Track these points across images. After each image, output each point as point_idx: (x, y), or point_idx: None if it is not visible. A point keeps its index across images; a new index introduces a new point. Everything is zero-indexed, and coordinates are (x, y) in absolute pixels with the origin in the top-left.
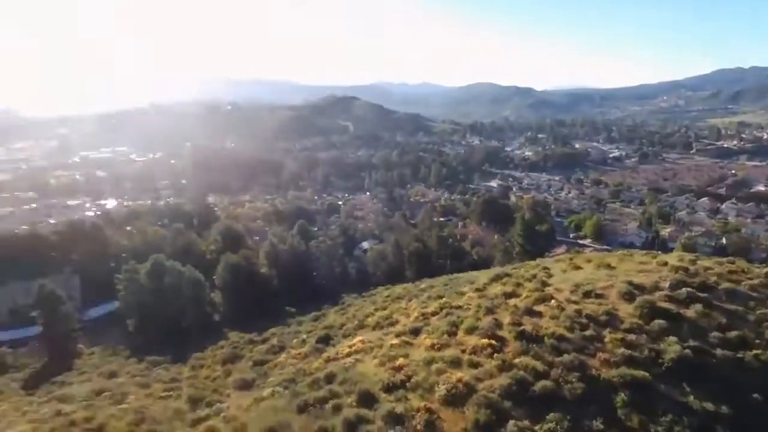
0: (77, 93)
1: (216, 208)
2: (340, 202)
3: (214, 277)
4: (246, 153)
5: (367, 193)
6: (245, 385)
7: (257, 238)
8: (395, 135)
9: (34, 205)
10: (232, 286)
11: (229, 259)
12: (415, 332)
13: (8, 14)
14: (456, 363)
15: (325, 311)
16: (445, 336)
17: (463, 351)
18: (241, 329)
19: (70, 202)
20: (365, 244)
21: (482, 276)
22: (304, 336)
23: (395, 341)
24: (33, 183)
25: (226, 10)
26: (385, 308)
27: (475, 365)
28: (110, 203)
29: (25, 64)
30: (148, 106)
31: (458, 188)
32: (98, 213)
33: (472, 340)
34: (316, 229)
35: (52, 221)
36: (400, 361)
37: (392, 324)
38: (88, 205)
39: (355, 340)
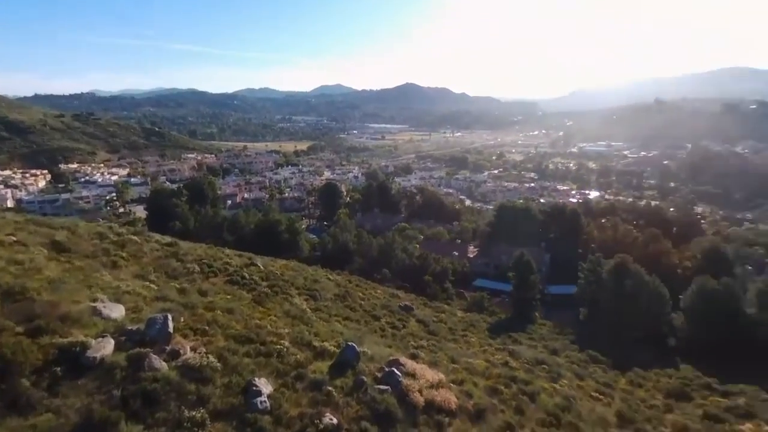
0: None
1: (703, 221)
2: None
3: (680, 296)
4: (764, 162)
5: None
6: None
7: (750, 268)
8: None
9: (533, 185)
10: (702, 315)
11: (707, 284)
12: None
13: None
14: None
15: None
16: None
17: None
18: (697, 366)
19: (560, 187)
20: None
21: None
22: None
23: None
24: (536, 165)
25: None
26: None
27: None
28: (593, 194)
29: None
30: (654, 102)
31: None
32: (580, 201)
33: None
34: None
35: (542, 200)
36: None
37: None
38: (573, 192)
39: None
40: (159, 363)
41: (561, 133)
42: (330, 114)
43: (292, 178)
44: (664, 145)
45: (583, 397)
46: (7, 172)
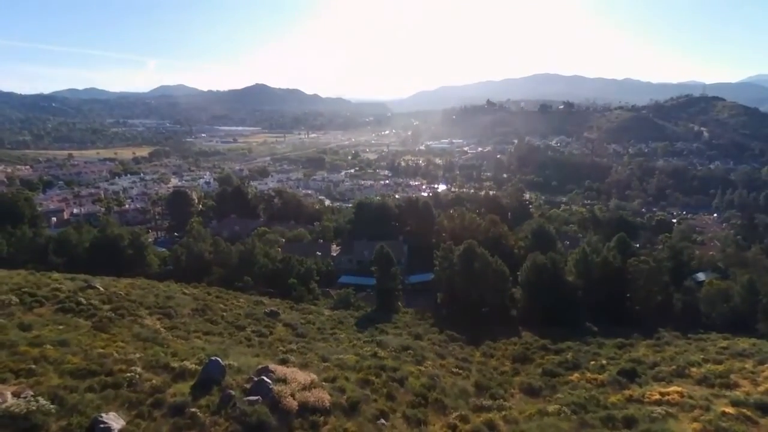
0: (431, 92)
1: (530, 206)
2: (674, 220)
3: (518, 272)
4: (571, 153)
5: (715, 215)
6: (531, 391)
7: (567, 243)
8: None
9: (387, 182)
10: (535, 286)
11: (537, 259)
12: (765, 409)
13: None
14: None
15: (634, 341)
16: None
17: None
18: (535, 331)
19: (412, 183)
20: (701, 276)
21: None
22: (604, 362)
23: (730, 410)
24: (389, 163)
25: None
26: (719, 363)
27: None
28: (441, 187)
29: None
30: (486, 104)
31: None
32: (430, 194)
33: None
34: (637, 245)
35: (397, 196)
36: None
37: (727, 386)
38: (424, 186)
39: (670, 389)
40: None
41: (409, 133)
42: (173, 116)
43: (132, 188)
44: (495, 141)
45: (445, 374)
46: None
